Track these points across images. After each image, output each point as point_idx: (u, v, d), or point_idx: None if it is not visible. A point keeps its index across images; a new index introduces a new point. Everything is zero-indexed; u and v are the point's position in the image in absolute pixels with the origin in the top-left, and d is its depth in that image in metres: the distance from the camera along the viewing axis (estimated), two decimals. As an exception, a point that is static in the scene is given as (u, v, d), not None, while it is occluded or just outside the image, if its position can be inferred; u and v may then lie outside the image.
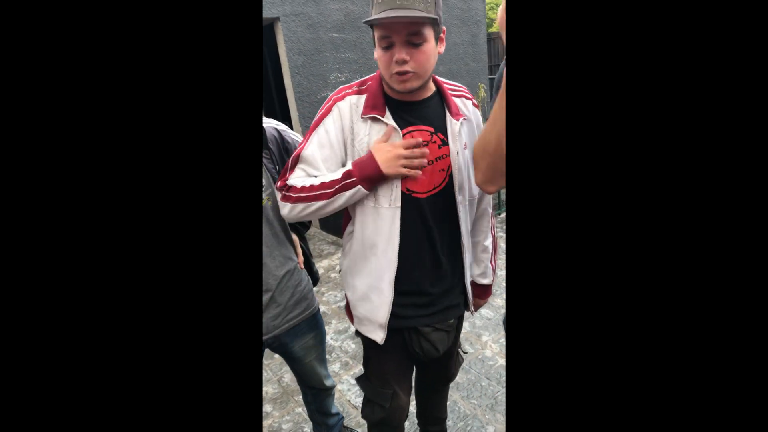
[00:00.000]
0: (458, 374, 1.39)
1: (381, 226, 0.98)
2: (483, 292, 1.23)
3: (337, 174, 0.94)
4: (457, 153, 0.98)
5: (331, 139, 0.96)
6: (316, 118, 0.99)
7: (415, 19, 0.84)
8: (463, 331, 1.92)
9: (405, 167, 0.93)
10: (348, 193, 0.93)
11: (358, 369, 2.05)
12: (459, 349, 1.29)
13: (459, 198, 1.01)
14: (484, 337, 2.14)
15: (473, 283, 1.19)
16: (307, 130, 1.00)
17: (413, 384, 1.32)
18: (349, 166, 0.94)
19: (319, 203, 0.94)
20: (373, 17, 0.85)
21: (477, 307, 1.24)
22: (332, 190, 0.93)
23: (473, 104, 1.06)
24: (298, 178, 0.97)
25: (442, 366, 1.26)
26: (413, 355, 1.11)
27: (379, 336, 1.07)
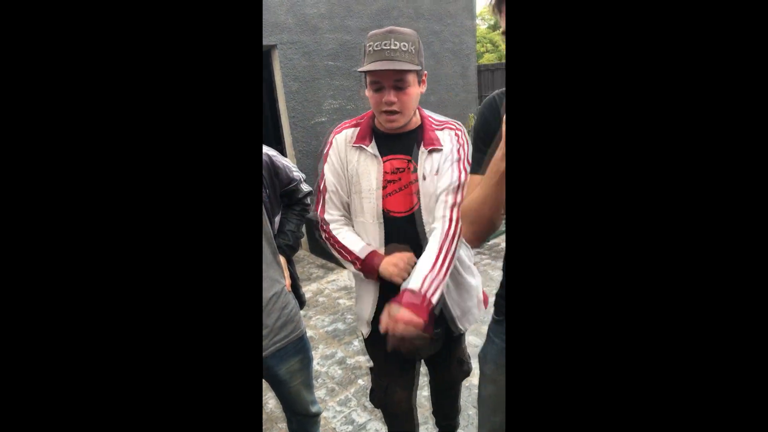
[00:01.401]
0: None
1: (369, 237, 1.18)
2: (407, 297, 1.17)
3: (356, 248, 1.16)
4: (423, 178, 1.13)
5: (336, 167, 1.18)
6: (324, 151, 1.21)
7: (401, 72, 1.03)
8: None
9: (393, 275, 1.12)
10: (353, 269, 1.17)
11: (344, 396, 2.01)
12: (462, 357, 1.39)
13: (429, 220, 1.15)
14: (473, 363, 2.12)
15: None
16: (319, 160, 1.25)
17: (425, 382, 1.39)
18: (364, 253, 1.15)
19: (338, 256, 1.20)
20: (366, 67, 1.04)
21: (389, 320, 1.24)
22: (348, 257, 1.17)
23: (455, 134, 1.18)
24: (330, 213, 1.20)
25: (442, 370, 1.41)
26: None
27: (365, 330, 1.26)
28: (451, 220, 1.12)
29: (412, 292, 1.04)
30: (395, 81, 1.05)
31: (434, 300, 1.06)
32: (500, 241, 3.77)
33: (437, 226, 1.13)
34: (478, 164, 0.94)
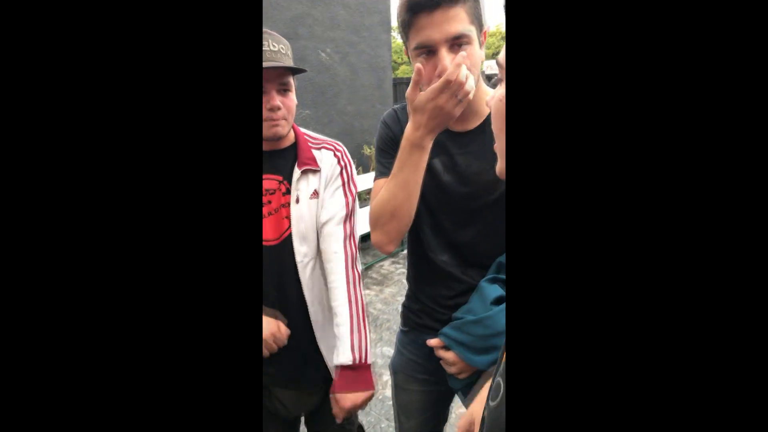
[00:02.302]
0: (358, 415, 1.38)
1: None
2: (344, 378, 0.99)
3: None
4: (297, 201, 1.03)
5: None
6: None
7: (286, 74, 0.98)
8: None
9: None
10: None
11: None
12: (348, 425, 1.21)
13: (302, 249, 1.03)
14: (385, 377, 2.15)
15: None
16: None
17: None
18: None
19: None
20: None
21: (341, 412, 0.98)
22: None
23: (335, 155, 1.10)
24: None
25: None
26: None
27: None
28: (347, 256, 1.04)
29: (350, 368, 0.98)
30: (280, 84, 0.98)
31: (370, 360, 1.00)
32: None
33: (334, 268, 1.03)
34: (385, 168, 0.94)
